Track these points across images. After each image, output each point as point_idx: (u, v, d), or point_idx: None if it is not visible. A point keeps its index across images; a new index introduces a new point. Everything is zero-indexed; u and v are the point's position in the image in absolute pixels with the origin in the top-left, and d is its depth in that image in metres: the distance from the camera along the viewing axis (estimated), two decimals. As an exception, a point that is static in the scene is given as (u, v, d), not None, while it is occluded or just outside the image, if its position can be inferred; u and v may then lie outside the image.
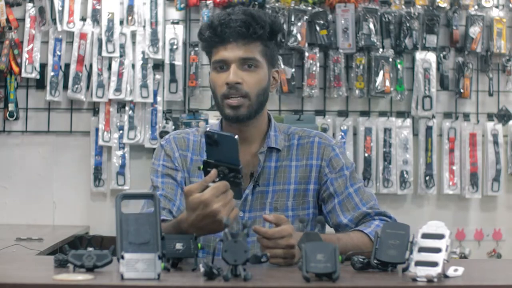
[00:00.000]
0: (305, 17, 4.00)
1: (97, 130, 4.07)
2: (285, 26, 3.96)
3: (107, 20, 4.04)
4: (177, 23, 4.09)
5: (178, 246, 1.74)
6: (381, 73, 4.04)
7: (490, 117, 4.19)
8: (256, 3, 4.01)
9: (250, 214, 2.14)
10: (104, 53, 4.02)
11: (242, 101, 2.09)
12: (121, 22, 4.07)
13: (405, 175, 4.09)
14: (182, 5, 4.04)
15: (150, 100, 4.05)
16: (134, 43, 4.07)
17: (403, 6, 4.09)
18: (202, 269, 1.61)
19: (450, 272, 1.68)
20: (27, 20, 4.05)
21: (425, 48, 4.10)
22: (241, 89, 2.08)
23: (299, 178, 2.16)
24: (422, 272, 1.61)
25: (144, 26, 4.06)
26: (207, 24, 2.14)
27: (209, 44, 2.14)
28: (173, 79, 4.05)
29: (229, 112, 2.10)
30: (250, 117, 2.12)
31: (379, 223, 2.08)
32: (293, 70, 4.04)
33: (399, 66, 4.08)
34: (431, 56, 4.10)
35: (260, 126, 2.18)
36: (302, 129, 2.24)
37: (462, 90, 4.11)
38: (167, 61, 4.06)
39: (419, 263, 1.62)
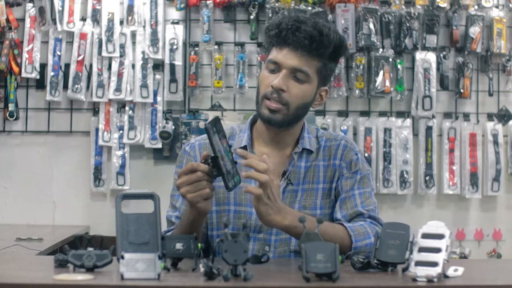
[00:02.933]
0: (305, 17, 4.00)
1: (97, 130, 4.07)
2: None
3: (107, 20, 4.04)
4: (177, 23, 4.09)
5: (178, 246, 1.74)
6: (381, 73, 4.04)
7: (490, 117, 4.19)
8: (256, 3, 4.01)
9: None
10: (104, 53, 4.02)
11: (281, 107, 2.11)
12: (121, 22, 4.06)
13: (405, 175, 4.09)
14: (182, 5, 4.03)
15: (150, 100, 4.05)
16: (134, 43, 4.07)
17: (403, 6, 4.09)
18: (202, 269, 1.61)
19: (450, 272, 1.68)
20: (27, 20, 4.05)
21: (425, 48, 4.10)
22: (282, 97, 2.10)
23: (327, 177, 2.21)
24: (422, 272, 1.61)
25: (144, 26, 4.06)
26: (277, 22, 2.15)
27: (271, 41, 2.15)
28: (173, 79, 4.05)
29: (265, 112, 2.12)
30: (283, 125, 2.15)
31: (364, 223, 2.10)
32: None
33: (399, 66, 4.08)
34: (431, 56, 4.10)
35: (294, 132, 2.21)
36: (329, 133, 2.29)
37: (462, 90, 4.11)
38: (167, 61, 4.05)
39: (419, 263, 1.62)
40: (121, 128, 4.06)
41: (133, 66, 4.06)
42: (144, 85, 4.03)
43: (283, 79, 2.10)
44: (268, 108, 2.11)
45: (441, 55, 4.12)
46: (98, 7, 4.05)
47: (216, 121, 1.85)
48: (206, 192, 1.90)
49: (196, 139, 2.28)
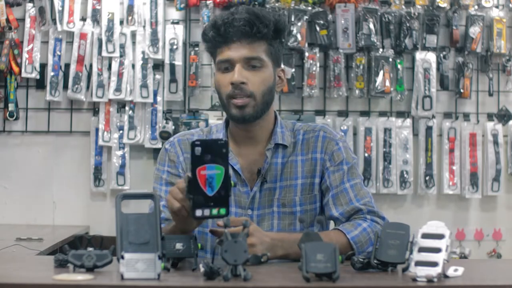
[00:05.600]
0: (305, 17, 4.00)
1: (97, 130, 4.07)
2: (285, 26, 3.96)
3: (107, 20, 4.04)
4: (177, 23, 4.09)
5: (178, 246, 1.74)
6: (381, 73, 4.03)
7: (490, 117, 4.19)
8: (256, 3, 4.01)
9: (259, 211, 2.15)
10: (104, 53, 4.02)
11: (247, 100, 2.08)
12: (121, 22, 4.06)
13: (405, 175, 4.09)
14: (182, 5, 4.04)
15: (150, 100, 4.05)
16: (134, 43, 4.07)
17: (403, 6, 4.09)
18: (202, 269, 1.61)
19: (450, 272, 1.68)
20: (27, 20, 4.05)
21: (425, 48, 4.10)
22: (246, 89, 2.08)
23: (306, 172, 2.17)
24: (422, 272, 1.61)
25: (144, 26, 4.06)
26: (210, 24, 2.12)
27: (213, 44, 2.12)
28: (173, 79, 4.05)
29: (235, 112, 2.09)
30: (256, 117, 2.11)
31: (367, 227, 2.07)
32: (293, 70, 4.03)
33: (399, 66, 4.08)
34: (431, 56, 4.10)
35: (266, 125, 2.18)
36: (307, 124, 2.24)
37: (462, 90, 4.11)
38: (167, 61, 4.05)
39: (419, 263, 1.62)
40: (121, 128, 4.06)
41: (133, 66, 4.06)
42: (144, 85, 4.04)
43: (240, 72, 2.08)
44: (236, 106, 2.09)
45: (441, 55, 4.12)
46: (98, 7, 4.05)
47: (217, 144, 1.71)
48: (171, 203, 1.84)
49: (174, 136, 2.26)
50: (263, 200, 2.15)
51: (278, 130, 2.18)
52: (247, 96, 2.08)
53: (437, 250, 1.63)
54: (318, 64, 4.04)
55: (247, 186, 2.15)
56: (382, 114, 4.14)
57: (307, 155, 2.18)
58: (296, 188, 2.16)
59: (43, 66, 4.06)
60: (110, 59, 4.05)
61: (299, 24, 4.00)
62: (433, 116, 4.12)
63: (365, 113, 4.15)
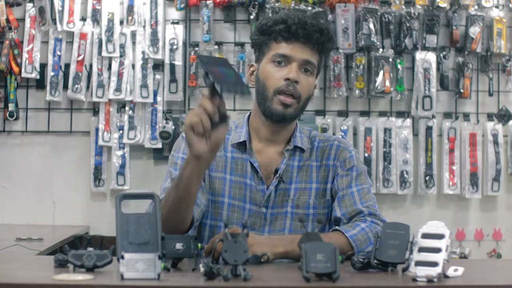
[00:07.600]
0: (305, 17, 4.00)
1: (97, 130, 4.07)
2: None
3: (107, 20, 4.04)
4: (177, 23, 4.09)
5: (178, 246, 1.74)
6: (381, 73, 4.04)
7: (490, 117, 4.19)
8: (256, 3, 4.02)
9: (273, 210, 2.18)
10: (104, 53, 4.03)
11: (293, 102, 2.13)
12: (121, 22, 4.07)
13: (405, 175, 4.09)
14: (182, 5, 4.04)
15: (150, 100, 4.05)
16: (134, 43, 4.07)
17: (403, 6, 4.09)
18: (202, 269, 1.61)
19: (450, 272, 1.68)
20: (27, 20, 4.05)
21: (425, 48, 4.10)
22: (296, 89, 2.13)
23: (320, 177, 2.21)
24: (422, 272, 1.61)
25: (144, 26, 4.06)
26: (279, 18, 2.18)
27: (274, 37, 2.16)
28: (173, 79, 4.05)
29: (278, 108, 2.13)
30: (292, 119, 2.18)
31: (365, 227, 2.09)
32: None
33: (399, 66, 4.08)
34: (431, 56, 4.10)
35: (290, 128, 2.23)
36: (322, 134, 2.31)
37: (462, 90, 4.12)
38: (167, 61, 4.06)
39: (419, 263, 1.62)
40: (121, 128, 4.06)
41: (133, 66, 4.06)
42: (144, 85, 4.04)
43: (296, 71, 2.13)
44: (282, 103, 2.13)
45: (441, 55, 4.12)
46: (98, 7, 4.05)
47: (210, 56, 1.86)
48: (195, 121, 1.79)
49: None
50: (277, 200, 2.19)
51: (297, 134, 2.23)
52: (295, 98, 2.13)
53: (437, 250, 1.63)
54: (318, 64, 4.03)
55: (264, 184, 2.19)
56: (382, 114, 4.14)
57: (322, 162, 2.23)
58: (310, 192, 2.20)
59: (43, 66, 4.06)
60: (110, 59, 4.05)
61: (299, 24, 3.99)
62: (433, 116, 4.12)
63: (365, 113, 4.15)
